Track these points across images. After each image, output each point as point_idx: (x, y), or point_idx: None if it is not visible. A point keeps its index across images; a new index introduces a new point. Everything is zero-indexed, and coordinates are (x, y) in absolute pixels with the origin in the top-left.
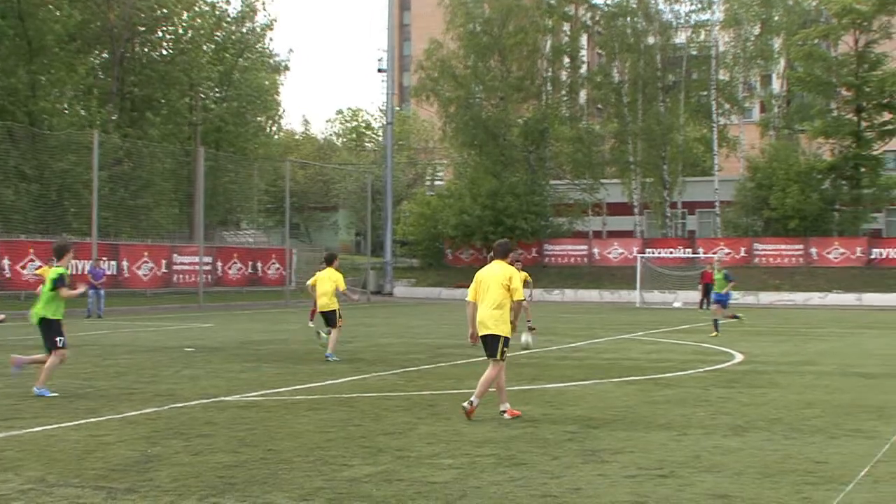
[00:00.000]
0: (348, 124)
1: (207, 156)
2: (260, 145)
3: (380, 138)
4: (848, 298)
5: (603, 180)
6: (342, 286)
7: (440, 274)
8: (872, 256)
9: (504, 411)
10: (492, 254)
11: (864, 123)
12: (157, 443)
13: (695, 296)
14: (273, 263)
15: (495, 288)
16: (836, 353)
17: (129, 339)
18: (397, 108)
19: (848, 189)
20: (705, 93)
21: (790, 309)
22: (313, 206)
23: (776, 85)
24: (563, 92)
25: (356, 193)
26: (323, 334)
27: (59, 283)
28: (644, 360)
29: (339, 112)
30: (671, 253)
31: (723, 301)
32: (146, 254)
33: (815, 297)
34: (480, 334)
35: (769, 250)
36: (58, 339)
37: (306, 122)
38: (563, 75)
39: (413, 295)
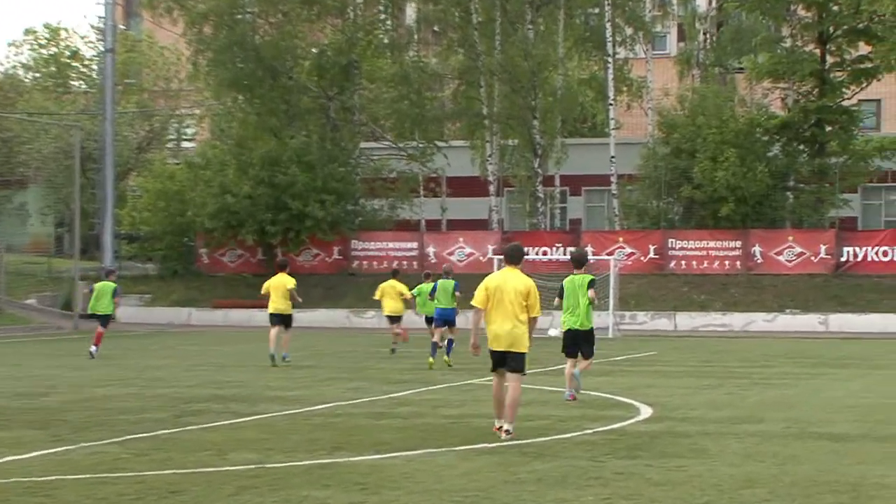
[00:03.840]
0: (44, 52)
1: None
2: None
3: (95, 74)
4: (808, 321)
5: (441, 143)
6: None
7: (191, 286)
8: (843, 258)
9: (510, 432)
10: (503, 259)
11: (830, 59)
12: None
13: None
14: None
15: (515, 300)
16: (789, 403)
17: None
18: (121, 28)
19: (808, 157)
20: (596, 10)
21: (722, 337)
22: None
23: (702, 1)
24: (381, 7)
25: (56, 160)
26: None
27: (591, 286)
28: None
29: (30, 32)
30: (545, 254)
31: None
32: None
33: (760, 320)
34: (500, 349)
35: (691, 249)
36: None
37: None
38: None
39: (148, 319)
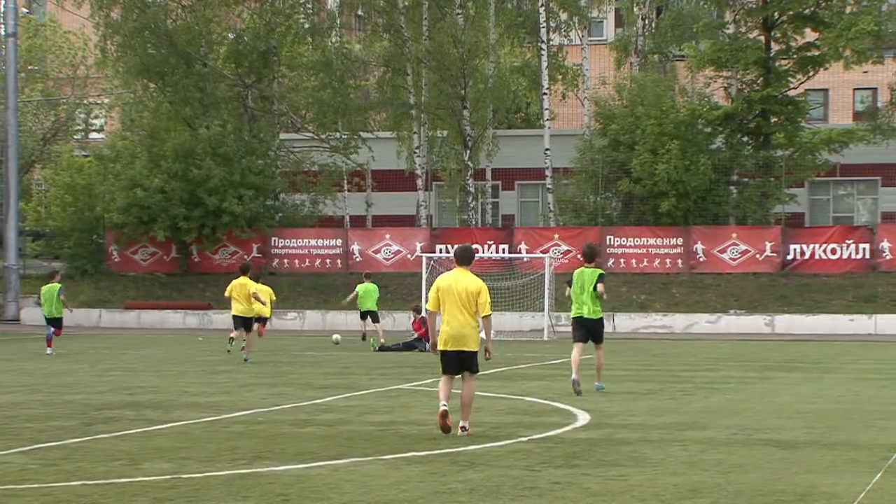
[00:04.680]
0: None
1: None
2: None
3: None
4: (753, 322)
5: (366, 134)
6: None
7: (101, 286)
8: (790, 256)
9: (466, 428)
10: (453, 260)
11: (775, 46)
12: None
13: (514, 319)
14: None
15: (466, 300)
16: (735, 409)
17: None
18: (24, 11)
19: (753, 150)
20: None
21: (663, 340)
22: None
23: None
24: None
25: None
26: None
27: (601, 280)
28: (433, 424)
29: None
30: (477, 252)
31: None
32: None
33: (703, 321)
34: (454, 349)
35: (630, 247)
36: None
37: None
38: None
39: None
